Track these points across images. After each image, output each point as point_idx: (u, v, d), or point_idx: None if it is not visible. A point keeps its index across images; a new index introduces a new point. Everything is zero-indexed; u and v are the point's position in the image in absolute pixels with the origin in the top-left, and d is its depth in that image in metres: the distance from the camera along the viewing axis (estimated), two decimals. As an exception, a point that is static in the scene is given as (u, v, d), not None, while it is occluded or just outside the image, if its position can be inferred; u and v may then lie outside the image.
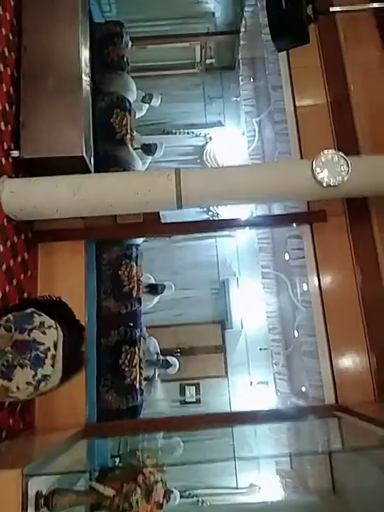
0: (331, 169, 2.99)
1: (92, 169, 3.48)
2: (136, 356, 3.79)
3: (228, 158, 6.30)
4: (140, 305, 4.04)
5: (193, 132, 6.50)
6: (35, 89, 3.28)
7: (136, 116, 5.15)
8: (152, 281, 4.82)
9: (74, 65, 3.37)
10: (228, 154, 6.32)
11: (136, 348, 3.81)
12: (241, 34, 5.76)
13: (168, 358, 4.76)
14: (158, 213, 3.50)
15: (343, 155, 3.02)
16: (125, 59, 4.55)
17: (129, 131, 4.36)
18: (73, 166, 3.25)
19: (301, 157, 3.69)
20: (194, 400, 5.66)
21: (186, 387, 5.68)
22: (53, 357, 1.59)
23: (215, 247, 6.28)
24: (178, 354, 5.71)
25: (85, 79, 3.50)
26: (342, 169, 2.99)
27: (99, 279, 3.88)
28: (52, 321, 1.67)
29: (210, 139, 6.46)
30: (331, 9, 3.30)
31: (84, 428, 3.03)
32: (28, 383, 1.54)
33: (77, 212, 3.15)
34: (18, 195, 2.98)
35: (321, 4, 3.24)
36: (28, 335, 1.58)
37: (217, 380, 5.75)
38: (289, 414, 3.31)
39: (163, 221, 3.54)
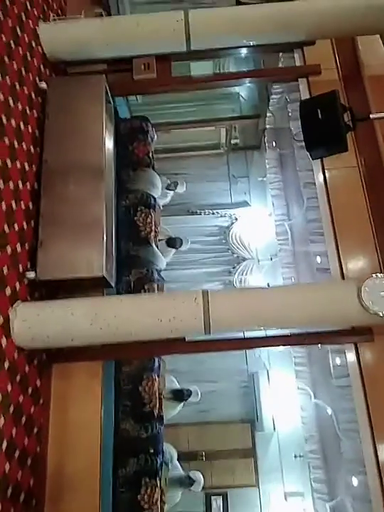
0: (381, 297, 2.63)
1: (113, 283, 3.23)
2: (157, 490, 3.33)
3: (255, 241, 6.05)
4: (162, 424, 3.62)
5: (218, 212, 6.32)
6: (55, 202, 3.12)
7: (162, 204, 5.01)
8: (176, 385, 4.42)
9: (96, 175, 3.22)
10: (255, 236, 6.07)
11: (157, 480, 3.37)
12: (267, 118, 5.67)
13: (190, 473, 4.26)
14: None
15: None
16: (150, 155, 4.44)
17: (153, 228, 4.16)
18: (93, 285, 3.01)
19: (340, 264, 3.36)
20: (221, 513, 5.04)
21: (212, 497, 5.08)
22: None
23: (243, 333, 5.87)
24: (203, 458, 5.18)
25: (108, 187, 3.34)
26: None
27: (117, 395, 3.51)
28: None
29: (236, 219, 6.25)
30: (371, 116, 3.09)
31: None
32: None
33: (95, 341, 2.85)
34: (31, 324, 2.72)
35: (359, 111, 3.04)
36: None
37: (247, 489, 5.13)
38: None
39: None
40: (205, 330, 2.75)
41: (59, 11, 4.16)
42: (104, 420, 3.18)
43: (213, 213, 6.32)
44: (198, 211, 6.34)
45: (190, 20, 3.50)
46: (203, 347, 3.25)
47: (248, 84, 5.57)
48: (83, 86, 3.51)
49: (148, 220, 4.16)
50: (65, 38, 3.57)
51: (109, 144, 3.72)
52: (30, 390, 2.88)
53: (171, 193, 5.52)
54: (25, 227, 2.97)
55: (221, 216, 6.33)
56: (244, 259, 6.02)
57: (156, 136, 4.87)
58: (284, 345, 3.32)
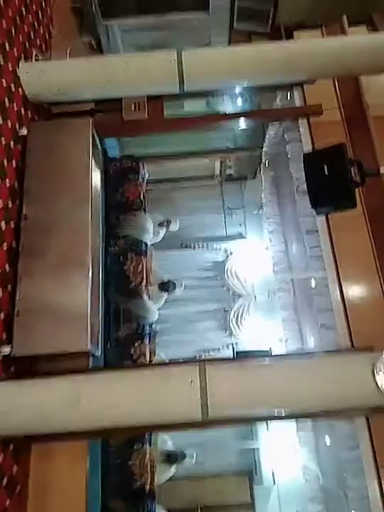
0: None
1: (98, 352, 2.92)
2: None
3: (251, 276, 5.76)
4: (153, 501, 3.30)
5: (212, 246, 6.03)
6: (36, 265, 2.81)
7: (154, 242, 4.74)
8: (170, 446, 4.08)
9: (82, 233, 2.92)
10: (251, 271, 5.78)
11: None
12: (263, 152, 5.44)
13: None
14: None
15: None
16: (141, 196, 4.16)
17: (144, 278, 3.87)
18: (77, 360, 2.70)
19: (348, 328, 3.09)
20: None
21: None
22: None
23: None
24: (200, 515, 4.84)
25: (94, 244, 3.05)
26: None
27: (105, 471, 3.18)
28: None
29: (231, 253, 5.97)
30: (382, 170, 2.86)
31: None
32: None
33: (78, 428, 2.53)
34: (6, 409, 2.41)
35: (368, 166, 2.79)
36: None
37: None
38: None
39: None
40: (202, 415, 2.45)
41: (43, 46, 3.90)
42: (90, 504, 2.85)
43: (207, 247, 6.03)
44: (192, 245, 6.05)
45: (184, 61, 3.24)
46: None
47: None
48: (67, 131, 3.24)
49: (139, 268, 3.87)
50: (49, 79, 3.29)
51: (97, 193, 3.44)
52: (5, 480, 2.55)
53: (164, 230, 5.25)
54: (0, 293, 2.66)
55: (215, 250, 6.04)
56: (240, 296, 5.73)
57: (147, 175, 4.61)
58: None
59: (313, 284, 3.83)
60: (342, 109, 3.83)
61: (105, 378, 2.56)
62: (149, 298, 3.93)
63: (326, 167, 2.70)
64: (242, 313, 5.53)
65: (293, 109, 3.82)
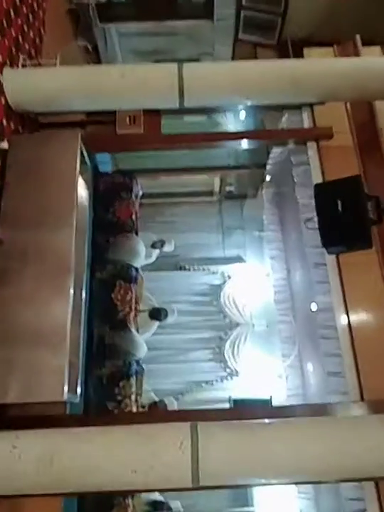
0: None
1: (77, 399, 2.56)
2: None
3: (250, 303, 5.41)
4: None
5: (209, 269, 5.68)
6: (8, 302, 2.46)
7: (145, 264, 4.40)
8: (159, 497, 3.64)
9: (63, 264, 2.57)
10: (250, 298, 5.43)
11: None
12: (266, 173, 5.14)
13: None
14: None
15: None
16: (133, 217, 3.84)
17: (133, 307, 3.53)
18: (52, 406, 2.35)
19: (358, 377, 2.76)
20: None
21: None
22: None
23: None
24: None
25: (78, 277, 2.70)
26: None
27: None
28: None
29: (229, 277, 5.62)
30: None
31: None
32: None
33: (50, 492, 2.17)
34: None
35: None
36: None
37: None
38: None
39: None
40: (192, 482, 2.10)
41: (33, 51, 3.60)
42: None
43: (204, 270, 5.68)
44: (187, 266, 5.70)
45: (185, 75, 2.94)
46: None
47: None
48: (53, 145, 2.91)
49: (128, 297, 3.53)
50: (35, 87, 2.97)
51: (83, 214, 3.10)
52: None
53: (157, 251, 4.92)
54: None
55: (213, 273, 5.69)
56: (237, 325, 5.37)
57: (141, 192, 4.30)
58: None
59: (318, 319, 3.48)
60: (354, 133, 3.54)
61: (83, 435, 2.19)
62: (137, 331, 3.58)
63: (339, 202, 2.39)
64: (239, 344, 5.16)
65: (301, 130, 3.53)
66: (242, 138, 3.57)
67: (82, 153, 3.04)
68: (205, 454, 2.09)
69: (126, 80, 2.96)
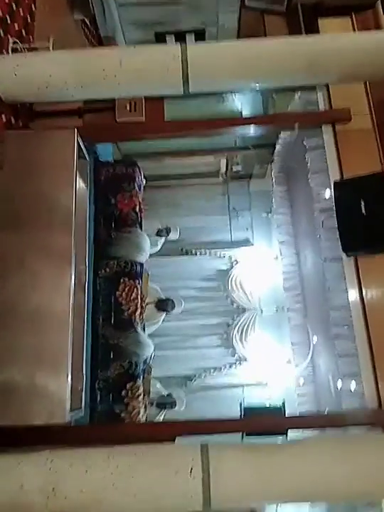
0: None
1: (82, 413, 2.47)
2: None
3: (258, 288, 5.28)
4: None
5: (216, 253, 5.51)
6: (3, 315, 2.32)
7: (151, 253, 4.24)
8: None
9: (61, 261, 2.43)
10: (258, 283, 5.29)
11: None
12: (276, 149, 4.84)
13: None
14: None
15: None
16: (137, 208, 3.63)
17: (138, 305, 3.39)
18: (54, 431, 2.26)
19: (376, 381, 2.64)
20: None
21: None
22: None
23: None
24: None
25: (79, 273, 2.56)
26: None
27: None
28: None
29: (236, 262, 5.46)
30: None
31: None
32: None
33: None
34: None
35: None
36: None
37: None
38: None
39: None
40: (203, 507, 2.02)
41: (23, 31, 3.30)
42: None
43: (210, 254, 5.52)
44: (193, 251, 5.53)
45: (190, 58, 2.66)
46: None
47: (254, 106, 4.80)
48: (48, 143, 2.69)
49: (133, 294, 3.38)
50: (25, 75, 2.71)
51: (83, 211, 2.92)
52: None
53: (162, 239, 4.75)
54: (-39, 350, 2.19)
55: (219, 257, 5.53)
56: (244, 310, 5.26)
57: (144, 182, 4.07)
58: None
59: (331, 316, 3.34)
60: (374, 114, 3.26)
61: (87, 459, 2.11)
62: (144, 326, 3.47)
63: (363, 202, 2.18)
64: (247, 330, 5.07)
65: (316, 113, 3.26)
66: (251, 123, 3.31)
67: (79, 148, 2.82)
68: (217, 479, 2.01)
69: (126, 66, 2.68)
